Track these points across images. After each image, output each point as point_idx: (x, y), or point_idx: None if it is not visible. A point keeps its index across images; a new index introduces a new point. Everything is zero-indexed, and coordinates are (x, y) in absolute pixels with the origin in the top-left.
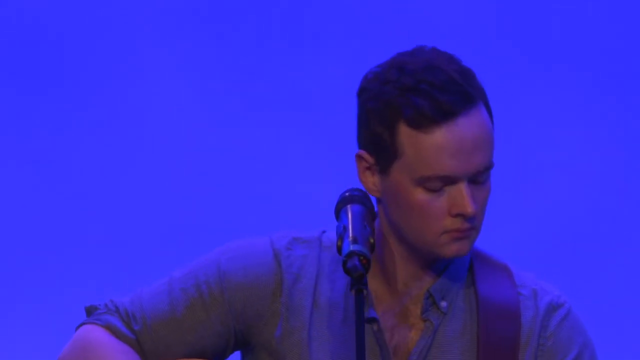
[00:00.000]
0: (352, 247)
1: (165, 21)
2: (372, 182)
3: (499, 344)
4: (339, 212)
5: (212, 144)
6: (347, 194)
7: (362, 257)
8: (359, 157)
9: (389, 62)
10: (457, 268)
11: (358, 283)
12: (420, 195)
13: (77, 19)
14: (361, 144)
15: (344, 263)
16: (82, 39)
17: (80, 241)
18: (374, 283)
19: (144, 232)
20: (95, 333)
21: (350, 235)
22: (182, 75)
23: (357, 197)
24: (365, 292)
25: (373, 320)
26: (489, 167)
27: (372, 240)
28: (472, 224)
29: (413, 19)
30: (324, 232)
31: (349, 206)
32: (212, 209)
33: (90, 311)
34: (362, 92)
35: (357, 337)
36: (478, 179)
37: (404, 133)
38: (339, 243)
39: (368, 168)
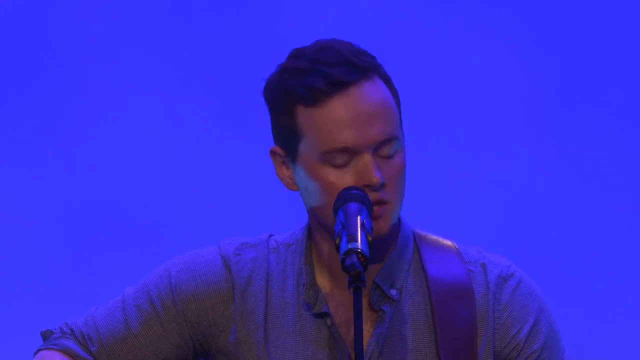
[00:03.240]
0: (350, 245)
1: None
2: (287, 175)
3: (456, 323)
4: (336, 210)
5: (207, 144)
6: (344, 192)
7: (360, 255)
8: (273, 153)
9: (288, 55)
10: (399, 253)
11: (356, 281)
12: (327, 173)
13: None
14: (274, 139)
15: (342, 261)
16: (71, 39)
17: (72, 241)
18: (321, 279)
19: (137, 233)
20: (52, 358)
21: (348, 233)
22: (175, 74)
23: (354, 196)
24: (364, 289)
25: (325, 314)
26: (391, 139)
27: (370, 238)
28: (383, 197)
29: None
30: (271, 235)
31: (346, 204)
32: (205, 210)
33: (46, 336)
34: (265, 89)
35: (356, 335)
36: (382, 151)
37: (302, 114)
38: (337, 241)
39: (282, 162)
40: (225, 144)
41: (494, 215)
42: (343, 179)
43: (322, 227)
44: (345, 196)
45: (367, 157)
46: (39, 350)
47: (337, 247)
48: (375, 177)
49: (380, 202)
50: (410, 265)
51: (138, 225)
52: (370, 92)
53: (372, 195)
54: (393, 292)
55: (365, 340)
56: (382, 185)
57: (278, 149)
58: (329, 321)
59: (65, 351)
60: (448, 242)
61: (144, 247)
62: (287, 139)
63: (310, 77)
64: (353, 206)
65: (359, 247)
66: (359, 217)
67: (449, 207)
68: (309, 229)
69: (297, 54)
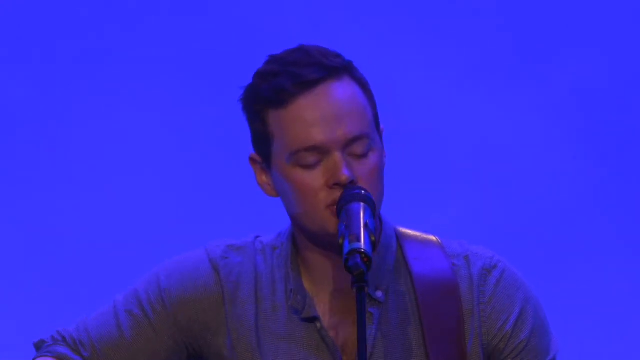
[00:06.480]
0: (353, 245)
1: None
2: (266, 182)
3: (442, 320)
4: (340, 210)
5: (202, 145)
6: (347, 192)
7: (363, 255)
8: (252, 160)
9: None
10: (381, 255)
11: (359, 281)
12: (297, 174)
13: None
14: (252, 147)
15: (346, 261)
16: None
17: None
18: (307, 283)
19: (127, 240)
20: None
21: (351, 233)
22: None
23: (357, 196)
24: (366, 289)
25: (314, 319)
26: (361, 137)
27: (373, 238)
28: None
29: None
30: (257, 237)
31: (349, 204)
32: (193, 214)
33: (39, 346)
34: (242, 97)
35: (359, 333)
36: (353, 150)
37: (272, 117)
38: (341, 242)
39: (261, 169)
40: (216, 147)
41: (495, 216)
42: (314, 179)
43: (304, 232)
44: (347, 196)
45: (337, 156)
46: None
47: (340, 247)
48: (344, 175)
49: None
50: (394, 264)
51: (129, 231)
52: (339, 91)
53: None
54: (379, 294)
55: (356, 343)
56: (352, 183)
57: (255, 156)
58: (318, 325)
59: (58, 357)
60: (431, 237)
61: (134, 253)
62: (261, 145)
63: (278, 79)
64: (355, 206)
65: (362, 247)
66: (361, 217)
67: (452, 208)
68: (293, 233)
69: (268, 59)
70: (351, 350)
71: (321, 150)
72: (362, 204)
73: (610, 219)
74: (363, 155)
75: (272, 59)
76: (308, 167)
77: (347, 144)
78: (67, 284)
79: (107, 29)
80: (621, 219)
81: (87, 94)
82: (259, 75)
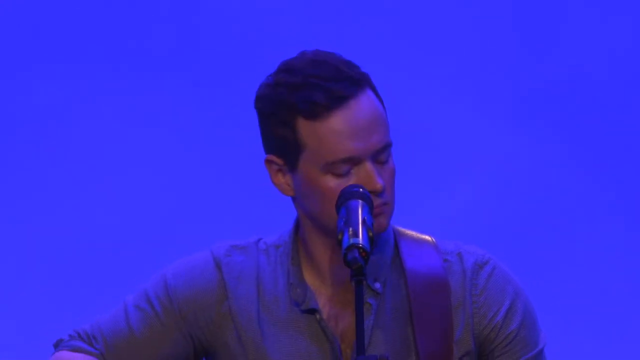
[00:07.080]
0: (352, 240)
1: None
2: (284, 182)
3: (432, 314)
4: (339, 208)
5: (204, 143)
6: (346, 190)
7: (361, 250)
8: (268, 162)
9: (277, 68)
10: (381, 249)
11: (358, 274)
12: (329, 181)
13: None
14: (267, 149)
15: (345, 256)
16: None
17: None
18: (309, 277)
19: (133, 245)
20: (63, 353)
21: (350, 229)
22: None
23: (356, 193)
24: (365, 282)
25: (314, 310)
26: (387, 146)
27: (371, 234)
28: (383, 199)
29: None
30: (260, 239)
31: (348, 202)
32: (198, 218)
33: (57, 344)
34: (257, 101)
35: (358, 329)
36: (380, 158)
37: (303, 127)
38: (340, 237)
39: (279, 170)
40: (218, 148)
41: (494, 216)
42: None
43: (321, 229)
44: (346, 194)
45: (369, 165)
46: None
47: (340, 243)
48: (379, 184)
49: (383, 204)
50: (392, 259)
51: (130, 232)
52: (366, 103)
53: (376, 201)
54: (377, 285)
55: (354, 332)
56: (384, 190)
57: (275, 159)
58: (318, 316)
59: (73, 349)
60: (426, 237)
61: (135, 254)
62: (286, 150)
63: (310, 91)
64: (354, 203)
65: (360, 242)
66: (360, 214)
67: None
68: (296, 231)
69: (289, 68)
70: (350, 339)
71: (354, 161)
72: (360, 201)
73: (610, 217)
74: (385, 162)
75: (292, 69)
76: (340, 175)
77: (376, 153)
78: (68, 284)
79: (108, 29)
80: (621, 217)
81: (88, 94)
82: (281, 84)
